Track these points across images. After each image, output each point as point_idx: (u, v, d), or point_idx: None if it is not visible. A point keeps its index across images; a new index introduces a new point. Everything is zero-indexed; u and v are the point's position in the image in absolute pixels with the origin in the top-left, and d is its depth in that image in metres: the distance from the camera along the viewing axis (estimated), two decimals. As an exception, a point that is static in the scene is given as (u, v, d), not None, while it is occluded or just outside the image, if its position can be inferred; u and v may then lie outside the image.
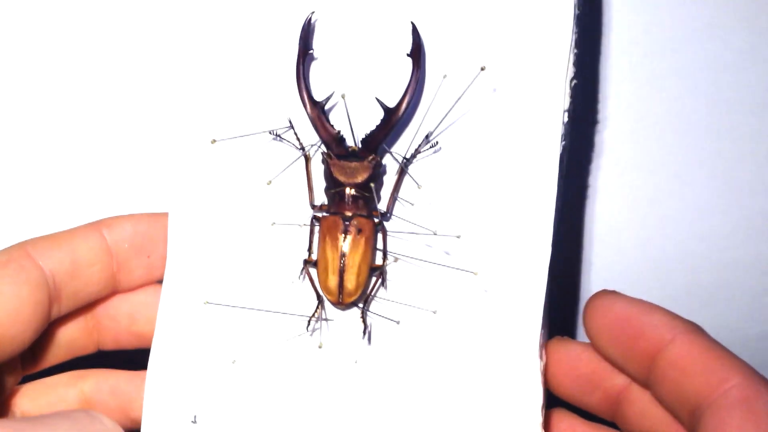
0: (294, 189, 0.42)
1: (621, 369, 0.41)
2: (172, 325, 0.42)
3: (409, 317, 0.41)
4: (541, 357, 0.41)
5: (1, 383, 0.41)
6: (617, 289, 0.42)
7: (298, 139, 0.41)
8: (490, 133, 0.41)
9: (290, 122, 0.41)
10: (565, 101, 0.40)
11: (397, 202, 0.41)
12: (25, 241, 0.40)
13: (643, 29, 0.53)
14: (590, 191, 0.55)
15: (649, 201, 0.55)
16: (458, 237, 0.40)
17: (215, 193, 0.42)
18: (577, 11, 0.40)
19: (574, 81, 0.41)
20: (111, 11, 0.50)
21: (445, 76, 0.40)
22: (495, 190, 0.41)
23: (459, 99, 0.40)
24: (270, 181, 0.42)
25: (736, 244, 0.57)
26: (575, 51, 0.41)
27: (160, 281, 0.43)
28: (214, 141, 0.41)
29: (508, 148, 0.41)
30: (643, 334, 0.39)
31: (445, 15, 0.41)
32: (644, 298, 0.57)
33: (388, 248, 0.41)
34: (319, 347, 0.41)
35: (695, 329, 0.39)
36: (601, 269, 0.57)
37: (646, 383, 0.40)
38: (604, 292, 0.41)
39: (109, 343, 0.44)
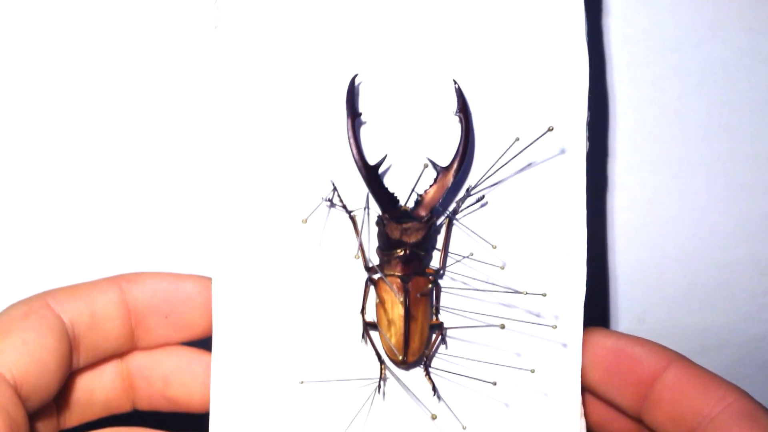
0: (335, 250, 0.42)
1: (611, 401, 0.42)
2: (226, 399, 0.42)
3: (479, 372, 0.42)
4: (582, 419, 0.42)
5: None
6: (617, 290, 0.42)
7: (341, 201, 0.41)
8: (524, 186, 0.42)
9: (334, 185, 0.41)
10: (585, 145, 0.42)
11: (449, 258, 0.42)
12: (45, 291, 0.40)
13: (643, 29, 0.53)
14: (590, 192, 0.55)
15: (649, 201, 0.55)
16: (544, 295, 0.41)
17: (257, 256, 0.42)
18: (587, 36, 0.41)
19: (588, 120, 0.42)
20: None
21: (517, 139, 0.40)
22: (532, 239, 0.42)
23: (515, 157, 0.40)
24: (305, 220, 0.41)
25: (736, 244, 0.57)
26: (589, 95, 0.41)
27: (185, 343, 0.43)
28: (305, 221, 0.41)
29: (541, 202, 0.42)
30: (639, 363, 0.40)
31: (483, 70, 0.41)
32: (644, 298, 0.58)
33: (448, 304, 0.42)
34: (433, 418, 0.41)
35: (685, 357, 0.41)
36: (601, 269, 0.57)
37: (638, 412, 0.41)
38: (593, 329, 0.42)
39: (145, 404, 0.44)
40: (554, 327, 0.41)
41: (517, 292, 0.40)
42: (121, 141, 0.51)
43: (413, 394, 0.42)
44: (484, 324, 0.41)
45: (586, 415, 0.43)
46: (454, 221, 0.41)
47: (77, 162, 0.51)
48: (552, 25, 0.41)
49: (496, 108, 0.41)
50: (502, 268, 0.41)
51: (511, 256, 0.42)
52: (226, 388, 0.42)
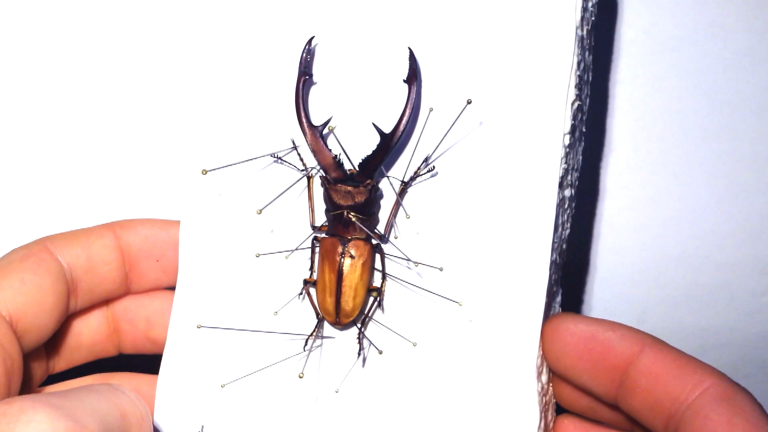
0: (295, 210, 0.43)
1: (586, 388, 0.41)
2: (181, 338, 0.43)
3: (396, 346, 0.42)
4: (539, 378, 0.41)
5: (29, 374, 0.42)
6: (617, 290, 0.42)
7: (301, 160, 0.42)
8: (489, 159, 0.41)
9: (294, 144, 0.42)
10: (565, 123, 0.40)
11: (394, 227, 0.42)
12: (44, 237, 0.42)
13: (643, 29, 0.53)
14: (590, 192, 0.55)
15: (649, 201, 0.55)
16: (441, 269, 0.41)
17: (219, 214, 0.43)
18: (579, 33, 0.40)
19: (577, 102, 0.41)
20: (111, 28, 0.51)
21: (431, 110, 0.40)
22: (491, 217, 0.41)
23: (453, 125, 0.40)
24: (260, 211, 0.42)
25: (736, 244, 0.57)
26: (578, 73, 0.40)
27: (171, 288, 0.44)
28: (205, 172, 0.42)
29: (507, 173, 0.41)
30: (612, 349, 0.39)
31: (444, 38, 0.41)
32: (644, 298, 0.58)
33: (386, 271, 0.42)
34: (300, 377, 0.42)
35: (659, 340, 0.39)
36: (601, 269, 0.57)
37: (614, 399, 0.40)
38: (562, 315, 0.41)
39: (129, 347, 0.46)
40: (460, 304, 0.41)
41: (452, 300, 0.41)
42: (113, 94, 0.53)
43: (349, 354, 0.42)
44: (422, 289, 0.41)
45: (563, 398, 0.43)
46: (407, 190, 0.41)
47: (73, 115, 0.53)
48: None
49: (462, 81, 0.41)
50: (441, 269, 0.41)
51: (469, 230, 0.41)
52: (181, 333, 0.43)
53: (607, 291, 0.57)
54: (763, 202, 0.56)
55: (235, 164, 0.42)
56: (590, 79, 0.44)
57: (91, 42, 0.52)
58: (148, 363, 0.45)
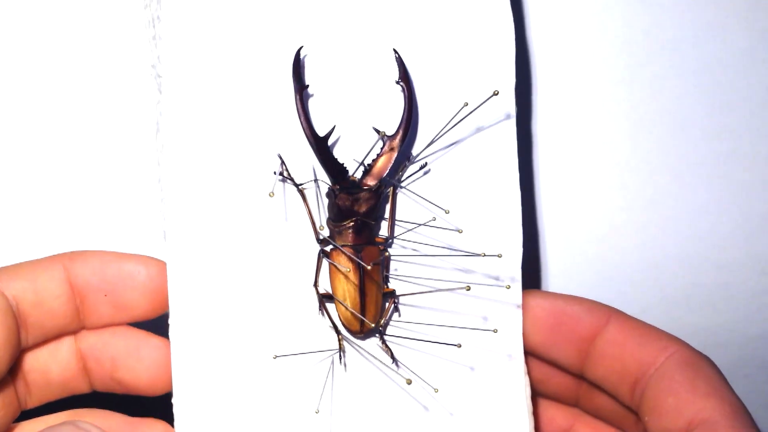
0: (278, 226, 0.42)
1: (553, 361, 0.43)
2: (188, 379, 0.41)
3: (408, 347, 0.42)
4: (525, 376, 0.43)
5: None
6: (617, 290, 0.43)
7: (289, 175, 0.41)
8: (457, 151, 0.42)
9: (281, 158, 0.41)
10: (512, 109, 0.42)
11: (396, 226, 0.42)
12: None
13: (643, 29, 0.53)
14: (590, 192, 0.55)
15: (649, 201, 0.55)
16: (501, 256, 0.41)
17: (210, 234, 0.42)
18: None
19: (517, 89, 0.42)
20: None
21: (466, 104, 0.40)
22: (468, 204, 0.42)
23: (446, 126, 0.40)
24: (272, 193, 0.41)
25: (736, 244, 0.57)
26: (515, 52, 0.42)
27: (131, 323, 0.43)
28: (272, 194, 0.41)
29: (473, 165, 0.42)
30: (579, 322, 0.42)
31: (420, 37, 0.42)
32: (644, 298, 0.58)
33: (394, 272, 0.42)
34: (408, 383, 0.41)
35: (624, 313, 0.42)
36: (601, 269, 0.57)
37: (580, 369, 0.42)
38: (531, 292, 0.43)
39: (99, 386, 0.44)
40: (508, 287, 0.42)
41: (475, 254, 0.41)
42: (66, 119, 0.50)
43: (378, 361, 0.42)
44: (434, 289, 0.42)
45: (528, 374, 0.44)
46: (399, 189, 0.42)
47: (21, 142, 0.50)
48: None
49: (439, 76, 0.42)
50: (460, 232, 0.41)
51: (455, 222, 0.42)
52: (187, 371, 0.41)
53: (607, 291, 0.57)
54: (763, 202, 0.56)
55: (284, 179, 0.41)
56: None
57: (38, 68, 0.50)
58: (130, 399, 0.44)
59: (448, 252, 0.41)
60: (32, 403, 0.43)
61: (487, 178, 0.42)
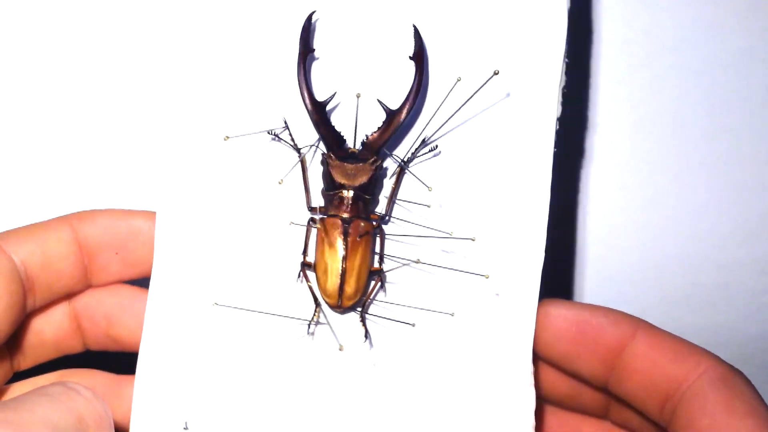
0: (289, 190, 0.42)
1: (576, 373, 0.41)
2: (160, 329, 0.41)
3: (421, 320, 0.41)
4: (534, 361, 0.41)
5: None
6: (617, 290, 0.42)
7: (292, 139, 0.41)
8: (487, 138, 0.41)
9: (285, 123, 0.41)
10: (557, 109, 0.41)
11: (396, 206, 0.41)
12: None
13: (642, 29, 0.53)
14: (590, 191, 0.55)
15: (649, 201, 0.55)
16: (473, 239, 0.40)
17: (205, 192, 0.42)
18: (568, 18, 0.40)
19: (565, 89, 0.41)
20: (105, 11, 0.50)
21: (459, 79, 0.40)
22: (490, 195, 0.41)
23: (461, 107, 0.40)
24: (276, 182, 0.41)
25: (736, 244, 0.57)
26: (566, 60, 0.41)
27: (131, 281, 0.43)
28: (226, 137, 0.40)
29: (504, 154, 0.41)
30: (605, 333, 0.39)
31: (446, 18, 0.41)
32: (644, 298, 0.58)
33: (394, 252, 0.41)
34: (340, 349, 0.41)
35: (651, 324, 0.40)
36: (601, 269, 0.57)
37: (604, 382, 0.40)
38: (551, 301, 0.41)
39: (93, 344, 0.44)
40: (486, 276, 0.40)
41: (448, 236, 0.40)
42: (70, 82, 0.51)
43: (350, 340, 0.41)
44: (420, 270, 0.41)
45: (542, 385, 0.43)
46: (406, 170, 0.41)
47: (25, 104, 0.51)
48: None
49: (462, 60, 0.41)
50: (440, 207, 0.40)
51: (466, 208, 0.41)
52: (160, 324, 0.41)
53: (607, 291, 0.57)
54: (763, 202, 0.56)
55: (228, 137, 0.41)
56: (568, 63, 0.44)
57: (52, 31, 0.50)
58: (117, 358, 0.44)
59: (429, 232, 0.40)
60: (25, 364, 0.43)
61: (514, 176, 0.41)
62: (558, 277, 0.57)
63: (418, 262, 0.41)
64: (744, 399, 0.36)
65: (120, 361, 0.44)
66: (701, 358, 0.38)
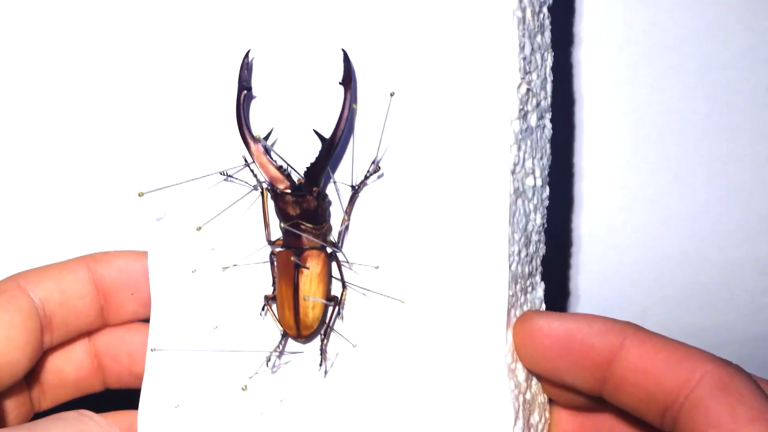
0: (249, 226, 0.42)
1: (567, 386, 0.40)
2: (155, 374, 0.43)
3: (355, 354, 0.41)
4: (511, 376, 0.40)
5: (12, 412, 0.42)
6: (617, 290, 0.42)
7: (255, 176, 0.42)
8: (437, 153, 0.40)
9: (245, 160, 0.42)
10: (511, 110, 0.39)
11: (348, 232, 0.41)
12: (16, 273, 0.42)
13: (642, 29, 0.53)
14: (590, 191, 0.55)
15: (649, 201, 0.55)
16: (376, 267, 0.41)
17: (173, 237, 0.43)
18: (518, 14, 0.40)
19: (524, 86, 0.40)
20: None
21: (392, 94, 0.40)
22: (443, 212, 0.40)
23: (385, 125, 0.40)
24: (199, 228, 0.42)
25: (736, 244, 0.57)
26: (522, 56, 0.40)
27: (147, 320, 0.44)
28: (141, 194, 0.41)
29: (457, 166, 0.40)
30: (592, 346, 0.37)
31: (379, 32, 0.41)
32: (644, 298, 0.58)
33: (351, 279, 0.41)
34: (243, 389, 0.41)
35: (640, 328, 0.37)
36: (601, 269, 0.57)
37: (600, 393, 0.38)
38: (532, 314, 0.39)
39: (114, 382, 0.46)
40: (403, 302, 0.40)
41: (349, 264, 0.41)
42: (84, 126, 0.52)
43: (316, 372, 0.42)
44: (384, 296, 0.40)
45: (554, 397, 0.42)
46: (357, 194, 0.41)
47: (42, 150, 0.53)
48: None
49: (402, 75, 0.41)
50: (376, 268, 0.40)
51: (423, 227, 0.41)
52: (158, 363, 0.43)
53: (606, 291, 0.57)
54: (763, 202, 0.56)
55: (179, 183, 0.42)
56: (548, 60, 0.43)
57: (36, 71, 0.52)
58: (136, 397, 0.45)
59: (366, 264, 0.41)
60: (46, 404, 0.44)
61: (470, 189, 0.40)
62: (558, 277, 0.57)
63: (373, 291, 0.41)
64: (746, 403, 0.34)
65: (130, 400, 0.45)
66: (696, 363, 0.35)
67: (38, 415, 0.44)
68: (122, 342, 0.45)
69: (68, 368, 0.45)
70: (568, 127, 0.54)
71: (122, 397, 0.45)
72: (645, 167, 0.55)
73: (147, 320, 0.44)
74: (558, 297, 0.57)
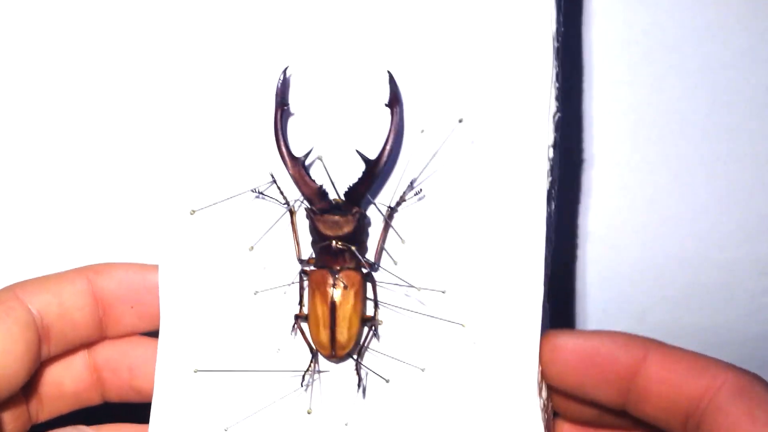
0: (283, 245, 0.42)
1: (590, 400, 0.41)
2: (168, 390, 0.42)
3: (399, 373, 0.42)
4: (540, 395, 0.41)
5: (0, 427, 0.42)
6: (617, 290, 0.42)
7: (282, 194, 0.41)
8: (475, 178, 0.41)
9: (273, 177, 0.41)
10: (549, 137, 0.40)
11: (384, 252, 0.42)
12: (14, 284, 0.42)
13: (643, 29, 0.53)
14: (590, 192, 0.55)
15: (649, 201, 0.55)
16: (443, 292, 0.41)
17: (201, 258, 0.42)
18: (556, 44, 0.40)
19: (558, 114, 0.41)
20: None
21: (422, 131, 0.40)
22: (482, 237, 0.41)
23: (440, 148, 0.40)
24: (252, 247, 0.42)
25: (736, 244, 0.57)
26: (557, 85, 0.40)
27: (150, 334, 0.44)
28: (193, 212, 0.41)
29: (493, 194, 0.41)
30: (616, 360, 0.39)
31: (424, 62, 0.41)
32: (644, 298, 0.58)
33: (379, 299, 0.42)
34: (308, 412, 0.41)
35: (661, 343, 0.39)
36: (601, 269, 0.57)
37: (622, 406, 0.40)
38: (557, 332, 0.41)
39: (114, 396, 0.45)
40: (464, 326, 0.40)
41: (411, 286, 0.41)
42: (86, 135, 0.52)
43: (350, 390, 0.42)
44: (408, 316, 0.41)
45: (565, 414, 0.42)
46: (394, 215, 0.41)
47: (43, 157, 0.52)
48: (505, 13, 0.40)
49: (447, 105, 0.41)
50: (443, 292, 0.41)
51: (461, 250, 0.41)
52: (168, 385, 0.42)
53: (606, 291, 0.57)
54: (763, 202, 0.56)
55: (220, 202, 0.42)
56: (561, 87, 0.44)
57: (58, 81, 0.51)
58: (135, 411, 0.45)
59: (405, 285, 0.41)
60: (43, 416, 0.44)
61: (507, 201, 0.41)
62: (558, 277, 0.57)
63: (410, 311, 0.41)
64: (764, 407, 0.36)
65: (137, 414, 0.45)
66: (717, 371, 0.37)
67: (36, 427, 0.44)
68: (123, 355, 0.44)
69: (67, 380, 0.44)
70: (568, 127, 0.54)
71: (121, 411, 0.45)
72: (645, 167, 0.55)
73: (147, 334, 0.44)
74: (558, 297, 0.57)
